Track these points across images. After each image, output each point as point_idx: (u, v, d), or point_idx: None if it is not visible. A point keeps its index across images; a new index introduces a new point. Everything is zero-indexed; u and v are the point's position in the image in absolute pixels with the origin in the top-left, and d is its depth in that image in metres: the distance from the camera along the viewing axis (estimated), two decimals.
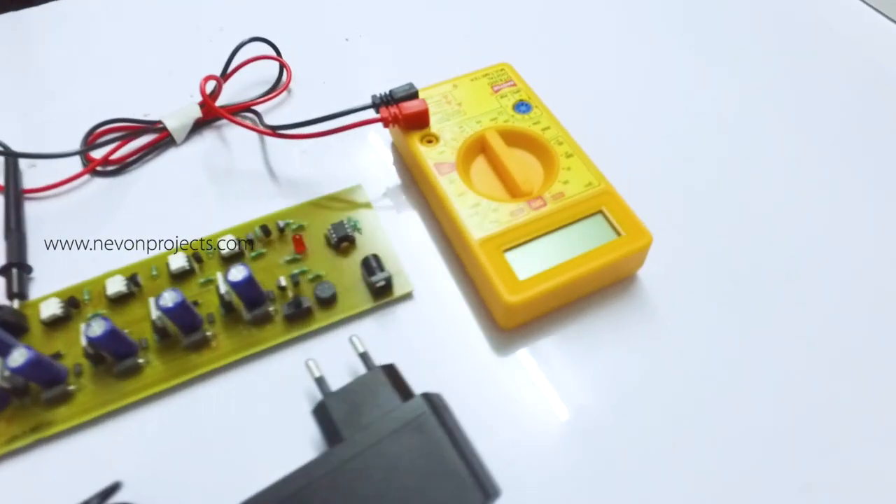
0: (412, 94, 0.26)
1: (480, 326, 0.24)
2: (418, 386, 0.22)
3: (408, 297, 0.24)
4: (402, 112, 0.26)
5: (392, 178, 0.28)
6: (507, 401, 0.22)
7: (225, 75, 0.30)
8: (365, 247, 0.25)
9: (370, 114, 0.26)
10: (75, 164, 0.29)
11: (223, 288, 0.23)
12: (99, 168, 0.28)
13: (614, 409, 0.22)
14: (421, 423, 0.19)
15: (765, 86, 0.33)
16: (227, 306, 0.23)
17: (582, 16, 0.36)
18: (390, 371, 0.21)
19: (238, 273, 0.22)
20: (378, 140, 0.30)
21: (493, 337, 0.23)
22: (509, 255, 0.23)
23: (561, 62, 0.33)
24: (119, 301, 0.24)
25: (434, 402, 0.20)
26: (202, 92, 0.26)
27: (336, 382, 0.21)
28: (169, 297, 0.22)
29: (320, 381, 0.21)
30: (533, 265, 0.22)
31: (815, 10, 0.37)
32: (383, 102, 0.26)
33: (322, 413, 0.20)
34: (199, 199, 0.28)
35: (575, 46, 0.34)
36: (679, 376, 0.23)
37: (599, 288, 0.24)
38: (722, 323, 0.24)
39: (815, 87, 0.33)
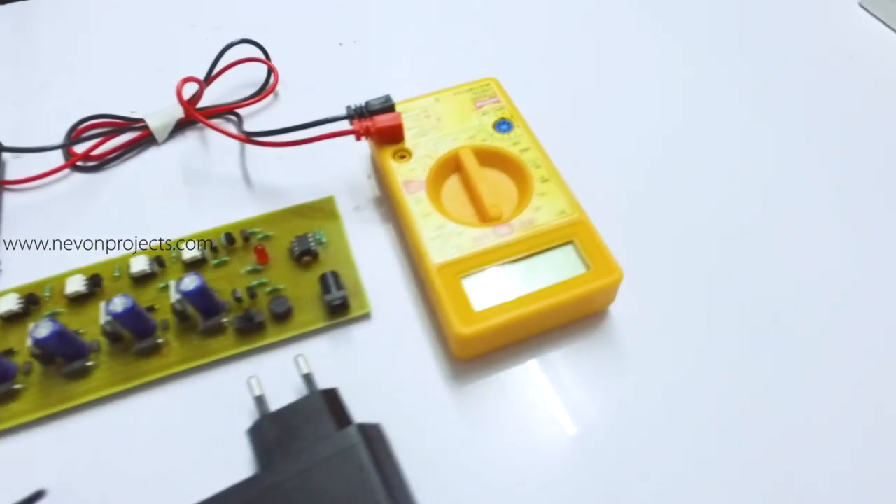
0: (388, 107, 0.26)
1: (435, 354, 0.23)
2: (362, 412, 0.21)
3: (365, 317, 0.24)
4: (374, 125, 0.25)
5: (367, 191, 0.28)
6: (454, 436, 0.21)
7: (210, 77, 0.30)
8: (328, 262, 0.25)
9: (345, 125, 0.26)
10: (59, 157, 0.29)
11: (174, 296, 0.23)
12: (80, 163, 0.29)
13: (568, 456, 0.21)
14: (351, 455, 0.18)
15: (764, 117, 0.31)
16: (179, 315, 0.23)
17: (582, 35, 0.35)
18: (331, 396, 0.21)
19: (190, 282, 0.22)
20: (358, 151, 0.29)
21: (448, 367, 0.22)
22: (467, 284, 0.22)
23: (553, 81, 0.32)
24: (78, 300, 0.24)
25: (368, 434, 0.19)
26: (178, 94, 0.26)
27: (283, 401, 0.21)
28: (119, 303, 0.22)
29: (259, 401, 0.21)
30: (491, 296, 0.21)
31: (812, 25, 0.35)
32: (358, 114, 0.25)
33: (256, 434, 0.20)
34: (172, 201, 0.28)
35: (569, 67, 0.33)
36: (646, 424, 0.21)
37: (566, 323, 0.23)
38: (698, 369, 0.22)
39: (817, 117, 0.31)
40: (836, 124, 0.30)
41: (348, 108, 0.26)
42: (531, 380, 0.22)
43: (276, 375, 0.22)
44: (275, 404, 0.21)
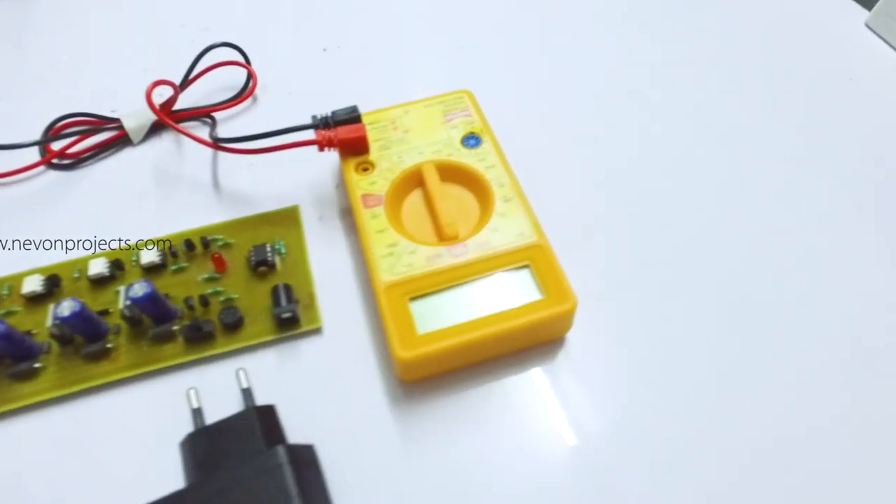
0: (354, 118, 0.25)
1: (383, 375, 0.22)
2: (300, 431, 0.21)
3: (316, 332, 0.23)
4: (337, 136, 0.24)
5: (334, 202, 0.27)
6: (393, 461, 0.20)
7: (187, 80, 0.30)
8: (285, 273, 0.25)
9: (310, 134, 0.25)
10: (36, 154, 0.29)
11: (123, 302, 0.23)
12: (55, 161, 0.29)
13: (512, 487, 0.20)
14: (275, 476, 0.18)
15: (748, 138, 0.29)
16: (130, 320, 0.23)
17: (569, 55, 0.33)
18: (266, 413, 0.20)
19: (140, 289, 0.22)
20: (329, 160, 0.29)
21: (394, 389, 0.22)
22: (414, 306, 0.21)
23: (533, 98, 0.31)
24: (34, 300, 0.24)
25: (298, 455, 0.19)
26: (147, 97, 0.26)
27: (226, 413, 0.21)
28: (67, 306, 0.21)
29: (196, 413, 0.21)
30: (436, 319, 0.21)
31: (816, 43, 0.33)
32: (323, 124, 0.25)
33: (186, 447, 0.20)
34: (141, 203, 0.28)
35: (550, 84, 0.32)
36: (599, 456, 0.20)
37: (518, 349, 0.22)
38: (655, 399, 0.21)
39: (809, 138, 0.29)
40: (827, 145, 0.29)
41: (314, 117, 0.25)
42: (478, 407, 0.21)
43: (221, 387, 0.22)
44: (217, 416, 0.21)
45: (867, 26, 0.33)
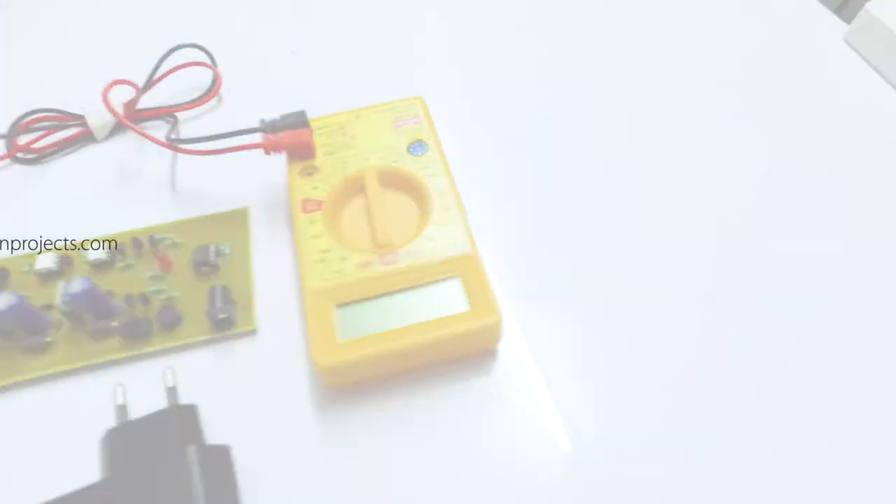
0: (301, 122, 0.25)
1: (310, 380, 0.22)
2: (222, 432, 0.21)
3: (251, 333, 0.23)
4: (282, 141, 0.25)
5: (284, 206, 0.27)
6: (311, 466, 0.21)
7: (152, 80, 0.30)
8: (227, 274, 0.25)
9: (258, 137, 0.26)
10: (2, 147, 0.30)
11: (58, 298, 0.23)
12: (20, 155, 0.30)
13: (428, 498, 0.20)
14: (182, 476, 0.18)
15: (712, 159, 0.29)
16: (69, 315, 0.23)
17: (541, 69, 0.33)
18: (186, 413, 0.20)
19: (77, 285, 0.22)
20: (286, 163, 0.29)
21: (319, 395, 0.22)
22: (339, 313, 0.21)
23: (489, 108, 0.31)
24: None
25: (210, 456, 0.19)
26: (104, 97, 0.26)
27: (154, 409, 0.21)
28: (3, 300, 0.22)
29: (120, 410, 0.21)
30: (359, 327, 0.21)
31: (793, 57, 0.32)
32: (270, 128, 0.25)
33: (106, 443, 0.20)
34: (100, 199, 0.28)
35: (510, 95, 0.31)
36: (520, 474, 0.20)
37: (446, 360, 0.22)
38: (583, 420, 0.21)
39: (776, 156, 0.28)
40: (801, 160, 0.28)
41: (262, 121, 0.26)
42: (402, 417, 0.21)
43: (153, 384, 0.22)
44: (144, 414, 0.21)
45: (846, 42, 0.32)
